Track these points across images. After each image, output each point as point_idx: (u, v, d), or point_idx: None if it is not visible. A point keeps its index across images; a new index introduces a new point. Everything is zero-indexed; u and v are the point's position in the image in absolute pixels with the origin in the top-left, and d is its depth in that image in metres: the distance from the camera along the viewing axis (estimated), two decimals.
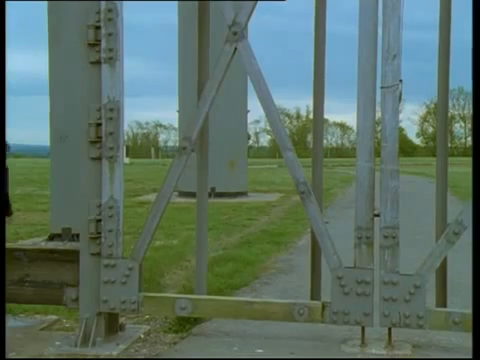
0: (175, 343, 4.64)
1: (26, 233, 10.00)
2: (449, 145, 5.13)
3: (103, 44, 4.53)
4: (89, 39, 4.55)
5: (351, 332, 4.53)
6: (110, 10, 4.52)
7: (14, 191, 13.63)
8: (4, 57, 4.60)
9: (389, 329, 4.40)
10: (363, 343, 4.44)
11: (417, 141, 77.53)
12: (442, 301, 4.55)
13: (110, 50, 4.53)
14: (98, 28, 4.54)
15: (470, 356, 4.17)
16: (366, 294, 4.34)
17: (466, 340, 4.44)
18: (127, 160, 39.53)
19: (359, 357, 4.29)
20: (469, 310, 4.27)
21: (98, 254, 4.60)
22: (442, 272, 4.55)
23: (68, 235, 8.39)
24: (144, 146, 77.64)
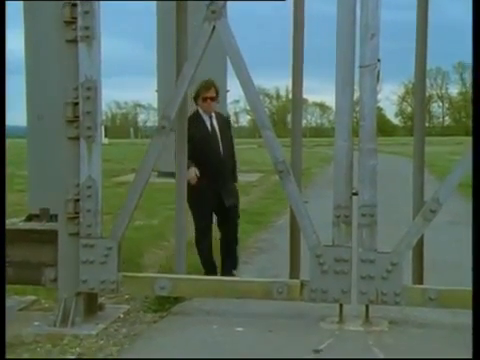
0: (155, 322, 4.66)
1: None
2: (427, 125, 5.18)
3: (79, 22, 4.46)
4: (65, 16, 4.47)
5: (330, 309, 4.58)
6: None
7: None
8: (4, 54, 4.52)
9: (366, 306, 4.47)
10: (341, 320, 4.50)
11: (396, 121, 78.03)
12: (419, 278, 4.62)
13: (87, 28, 4.46)
14: (74, 5, 4.46)
15: (444, 331, 4.28)
16: (344, 272, 4.39)
17: (442, 316, 4.53)
18: (106, 140, 39.19)
19: (337, 334, 4.35)
20: (444, 286, 4.37)
21: (77, 234, 4.58)
22: (419, 250, 4.61)
23: (46, 215, 8.32)
24: (123, 126, 76.94)
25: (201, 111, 5.51)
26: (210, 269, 5.64)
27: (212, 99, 5.46)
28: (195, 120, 5.44)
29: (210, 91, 5.46)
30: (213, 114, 5.55)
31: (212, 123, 5.53)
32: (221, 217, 5.67)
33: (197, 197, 5.37)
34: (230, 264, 5.75)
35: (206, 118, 5.51)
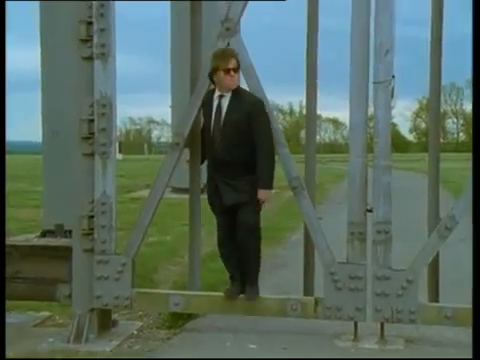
0: (168, 339, 4.64)
1: (18, 229, 9.95)
2: (441, 141, 5.15)
3: (95, 39, 4.51)
4: (81, 35, 4.52)
5: (344, 327, 4.54)
6: (102, 5, 4.49)
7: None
8: (4, 58, 4.58)
9: (382, 324, 4.42)
10: (356, 338, 4.45)
11: (410, 137, 77.83)
12: (434, 296, 4.56)
13: (102, 45, 4.50)
14: (90, 23, 4.51)
15: (461, 350, 4.22)
16: (359, 289, 4.35)
17: (458, 334, 4.47)
18: (120, 156, 39.41)
19: (352, 352, 4.30)
20: (461, 304, 4.31)
21: (91, 250, 4.59)
22: (434, 267, 4.56)
23: (61, 231, 8.35)
24: (137, 142, 77.42)
25: (217, 89, 4.46)
26: (232, 277, 4.74)
27: (235, 70, 4.38)
28: (206, 101, 4.55)
29: (231, 62, 4.38)
30: (230, 93, 4.43)
31: (220, 104, 4.45)
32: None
33: (207, 191, 4.68)
34: (246, 280, 4.71)
35: (216, 98, 4.46)
